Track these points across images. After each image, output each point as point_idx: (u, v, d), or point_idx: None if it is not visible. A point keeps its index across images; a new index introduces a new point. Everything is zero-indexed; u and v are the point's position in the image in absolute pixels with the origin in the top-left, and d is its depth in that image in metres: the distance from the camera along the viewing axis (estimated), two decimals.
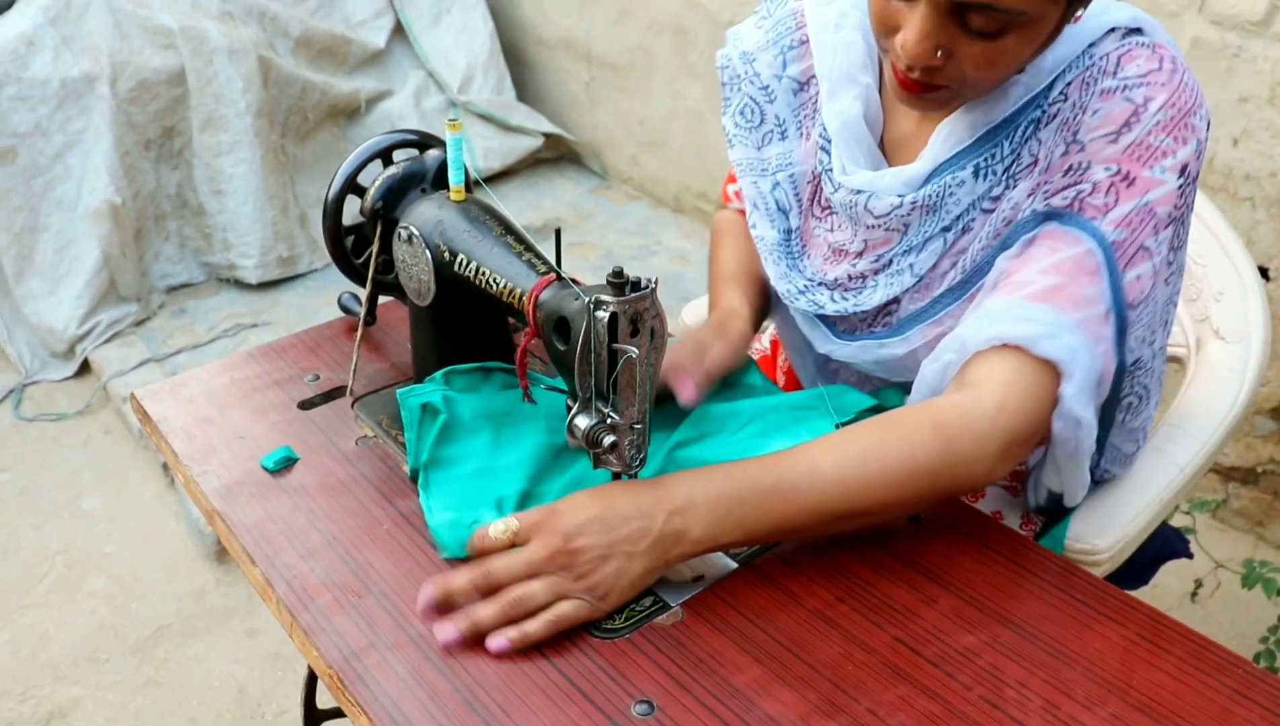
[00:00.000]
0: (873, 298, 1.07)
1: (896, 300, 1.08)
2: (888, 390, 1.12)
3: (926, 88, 0.93)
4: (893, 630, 0.89)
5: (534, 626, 0.86)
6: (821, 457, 0.90)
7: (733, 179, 1.29)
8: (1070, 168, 0.95)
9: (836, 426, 1.04)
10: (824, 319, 1.13)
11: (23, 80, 2.72)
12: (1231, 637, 2.01)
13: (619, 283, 0.86)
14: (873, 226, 1.06)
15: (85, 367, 2.80)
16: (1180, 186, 0.94)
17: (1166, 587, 2.08)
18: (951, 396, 0.93)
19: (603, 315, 0.86)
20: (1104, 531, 1.18)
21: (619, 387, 0.89)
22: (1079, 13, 0.91)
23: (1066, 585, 0.94)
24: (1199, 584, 2.01)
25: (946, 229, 1.03)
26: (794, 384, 1.32)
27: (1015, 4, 0.85)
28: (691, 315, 1.53)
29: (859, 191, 1.04)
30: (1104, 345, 0.93)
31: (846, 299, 1.09)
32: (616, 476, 0.97)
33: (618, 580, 0.87)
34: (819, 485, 0.89)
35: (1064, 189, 0.96)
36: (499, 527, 0.89)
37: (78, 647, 2.03)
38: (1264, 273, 2.00)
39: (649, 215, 3.43)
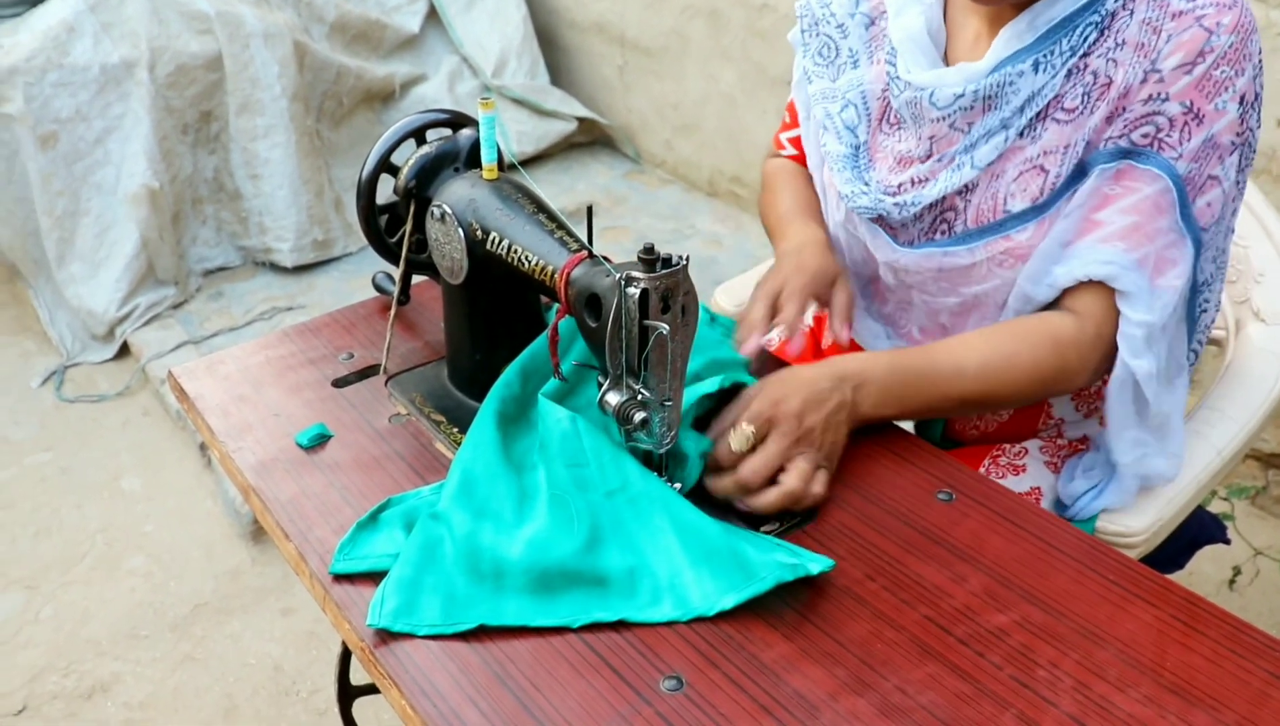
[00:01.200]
0: (932, 191, 1.12)
1: (953, 207, 1.12)
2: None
3: None
4: (922, 608, 0.89)
5: (819, 488, 0.98)
6: (965, 358, 1.06)
7: (786, 126, 1.36)
8: (1149, 97, 1.01)
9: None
10: (887, 229, 1.18)
11: (64, 66, 2.75)
12: (1271, 626, 1.99)
13: (650, 259, 0.86)
14: (936, 121, 1.11)
15: (124, 350, 2.84)
16: (1241, 114, 1.02)
17: (1204, 574, 2.05)
18: (1064, 318, 1.07)
19: (634, 291, 0.87)
20: (1139, 513, 1.17)
21: (650, 364, 0.89)
22: None
23: (1099, 565, 0.93)
24: (1237, 571, 1.99)
25: (1006, 124, 1.07)
26: None
27: None
28: (725, 297, 1.53)
29: (922, 88, 1.10)
30: (1169, 276, 1.03)
31: (907, 196, 1.14)
32: (649, 455, 0.97)
33: (837, 445, 1.01)
34: (963, 380, 1.06)
35: (1142, 123, 1.02)
36: (739, 439, 0.97)
37: (118, 624, 2.06)
38: None
39: (682, 199, 3.43)
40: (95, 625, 2.06)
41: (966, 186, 1.10)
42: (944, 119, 1.10)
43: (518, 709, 0.81)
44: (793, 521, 0.98)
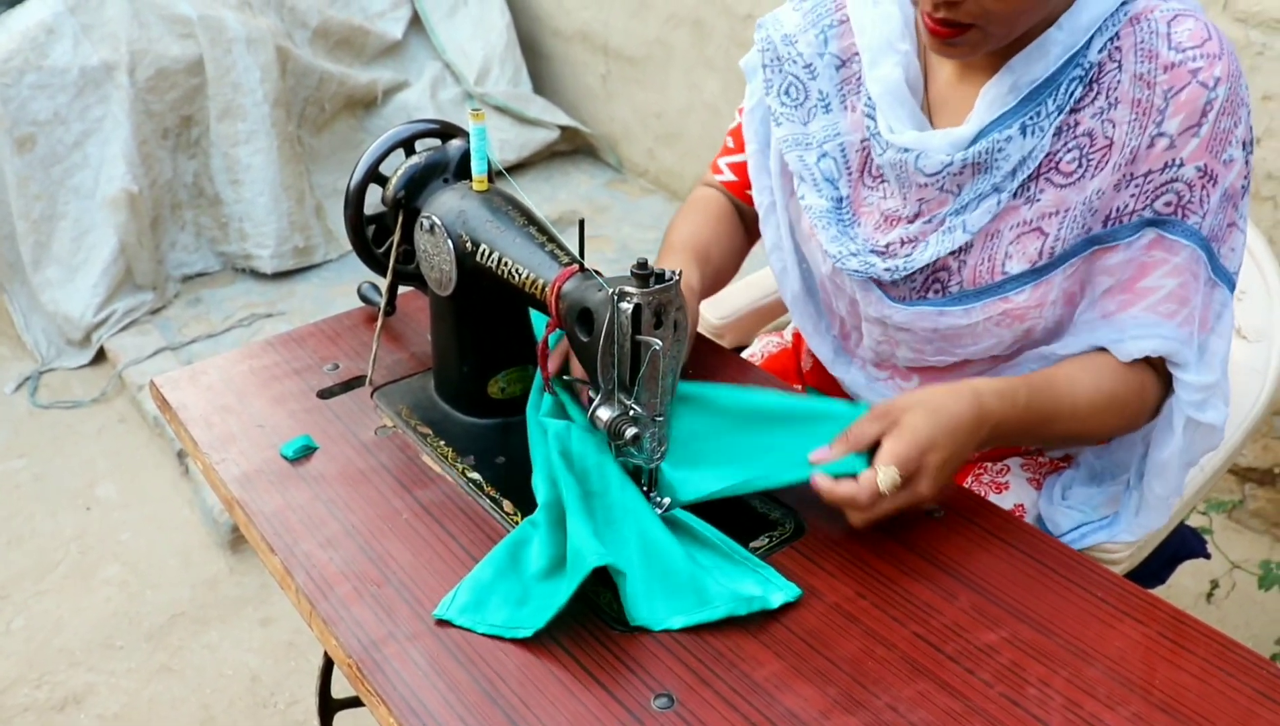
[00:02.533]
0: (923, 255, 1.09)
1: (946, 268, 1.10)
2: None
3: (955, 29, 0.97)
4: (913, 626, 0.89)
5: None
6: (1082, 397, 1.05)
7: (727, 150, 1.30)
8: (1166, 165, 1.00)
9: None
10: (878, 284, 1.15)
11: (42, 68, 2.72)
12: (1247, 639, 2.00)
13: (643, 274, 0.86)
14: (924, 185, 1.08)
15: (101, 355, 2.81)
16: (1245, 156, 1.03)
17: (1182, 588, 2.07)
18: (1148, 374, 1.08)
19: (627, 307, 0.86)
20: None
21: (642, 379, 0.89)
22: None
23: (1087, 583, 0.94)
24: (1215, 584, 2.00)
25: (998, 188, 1.05)
26: (818, 384, 1.31)
27: None
28: (709, 309, 1.52)
29: (907, 150, 1.07)
30: (1215, 327, 1.06)
31: (897, 259, 1.11)
32: (639, 470, 0.97)
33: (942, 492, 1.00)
34: (1074, 421, 1.06)
35: (1163, 191, 1.02)
36: (887, 483, 0.93)
37: (92, 634, 2.04)
38: None
39: (665, 208, 3.43)
40: (68, 635, 2.04)
41: (961, 248, 1.08)
42: (931, 183, 1.08)
43: None
44: (782, 538, 0.98)
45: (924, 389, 1.01)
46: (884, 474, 0.92)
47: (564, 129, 3.58)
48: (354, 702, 1.60)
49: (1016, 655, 0.86)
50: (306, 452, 1.09)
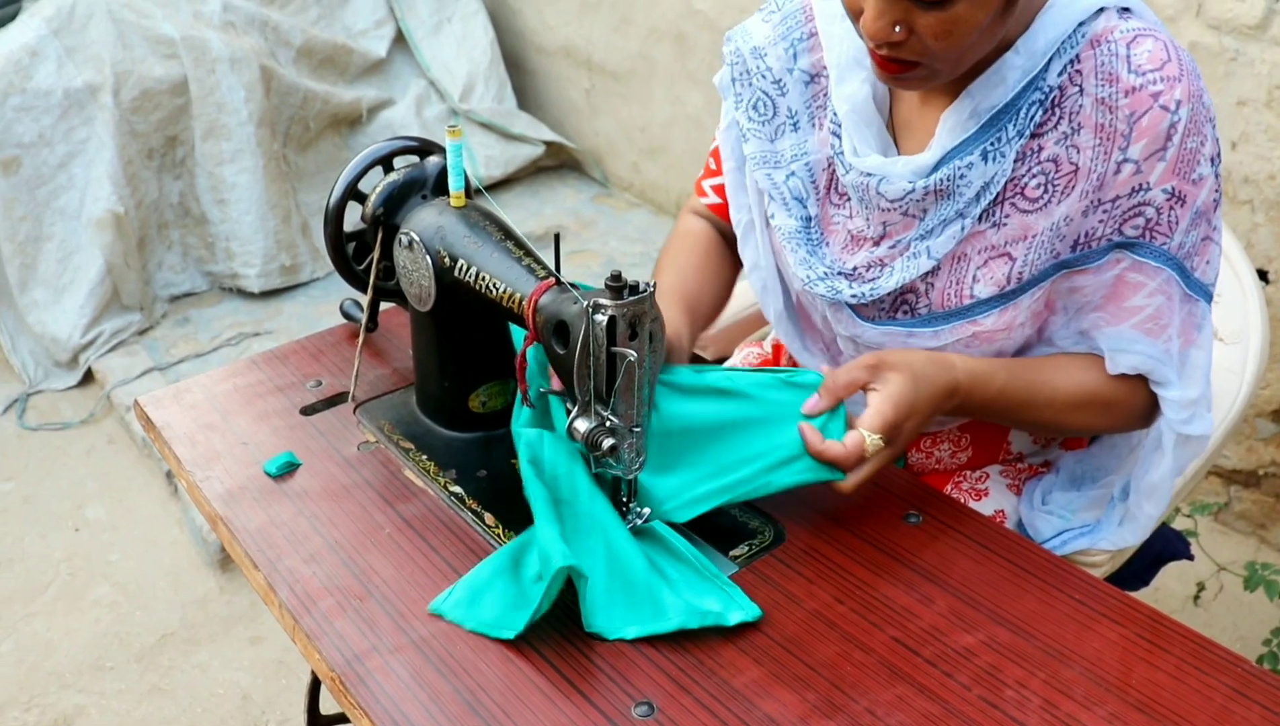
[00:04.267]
0: (889, 282, 1.09)
1: (914, 289, 1.10)
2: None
3: (899, 65, 0.97)
4: (891, 630, 0.90)
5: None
6: (1063, 390, 1.08)
7: (710, 172, 1.29)
8: (1134, 189, 1.01)
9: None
10: (847, 304, 1.15)
11: (26, 90, 2.73)
12: (1234, 640, 2.01)
13: (617, 286, 0.87)
14: (887, 210, 1.09)
15: (89, 377, 2.81)
16: (1214, 171, 1.03)
17: (1169, 590, 2.07)
18: (1138, 383, 1.09)
19: (601, 319, 0.87)
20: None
21: (618, 391, 0.90)
22: None
23: (1065, 585, 0.94)
24: (1201, 587, 2.01)
25: (962, 214, 1.05)
26: None
27: None
28: None
29: (869, 174, 1.07)
30: (1196, 341, 1.08)
31: (864, 285, 1.11)
32: (617, 481, 0.97)
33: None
34: (1052, 408, 1.08)
35: (1132, 216, 1.02)
36: (873, 447, 0.98)
37: (82, 656, 2.03)
38: (1263, 275, 2.00)
39: (650, 222, 3.44)
40: (59, 657, 2.03)
41: (928, 271, 1.08)
42: (894, 208, 1.08)
43: None
44: (762, 546, 0.99)
45: (908, 351, 1.05)
46: (870, 440, 0.98)
47: (549, 144, 3.59)
48: (343, 719, 1.60)
49: (994, 658, 0.87)
50: (290, 469, 1.10)
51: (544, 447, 1.00)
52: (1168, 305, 1.05)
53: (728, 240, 1.30)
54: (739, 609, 0.89)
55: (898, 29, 0.93)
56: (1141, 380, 1.09)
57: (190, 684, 1.97)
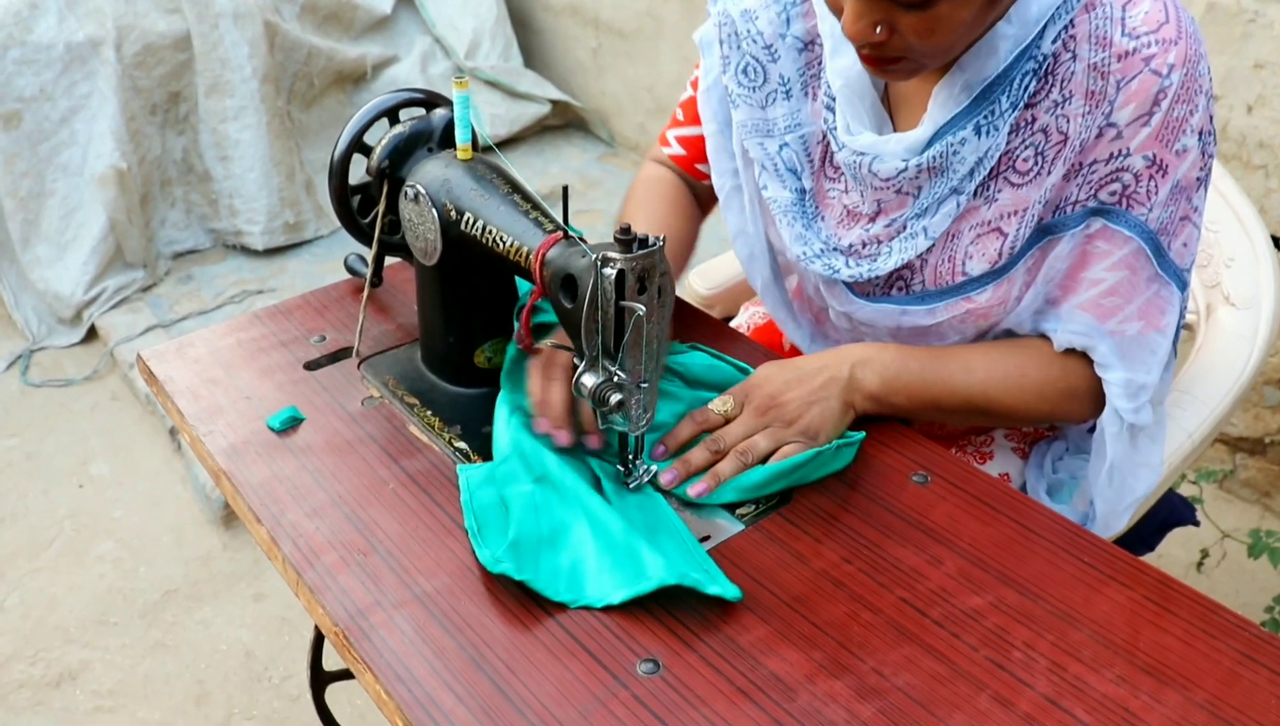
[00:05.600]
0: (887, 262, 1.07)
1: (909, 266, 1.08)
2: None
3: (884, 61, 0.95)
4: (899, 591, 0.89)
5: (728, 467, 0.99)
6: (973, 359, 1.07)
7: (677, 122, 1.26)
8: (1111, 155, 0.97)
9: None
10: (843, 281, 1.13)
11: (26, 44, 2.70)
12: (1237, 607, 2.01)
13: (626, 240, 0.86)
14: (880, 188, 1.06)
15: (92, 333, 2.80)
16: (1201, 147, 0.98)
17: (1173, 557, 2.07)
18: (1074, 358, 1.07)
19: (610, 272, 0.86)
20: None
21: (626, 346, 0.89)
22: None
23: (1073, 548, 0.94)
24: (1205, 553, 2.01)
25: (957, 190, 1.02)
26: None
27: None
28: (699, 280, 1.52)
29: (862, 153, 1.04)
30: (1158, 322, 1.04)
31: (861, 264, 1.09)
32: (623, 437, 0.97)
33: (824, 419, 1.01)
34: (970, 378, 1.06)
35: (1108, 181, 0.99)
36: (718, 405, 1.03)
37: (86, 611, 2.04)
38: (1276, 241, 1.98)
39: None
40: (63, 612, 2.04)
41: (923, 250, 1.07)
42: (889, 186, 1.05)
43: (494, 693, 0.80)
44: (769, 505, 0.98)
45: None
46: (718, 399, 1.03)
47: (555, 103, 3.56)
48: (345, 675, 1.60)
49: (1002, 619, 0.86)
50: (293, 424, 1.09)
51: (511, 428, 1.01)
52: (1129, 280, 1.02)
53: (692, 191, 1.28)
54: (718, 585, 0.87)
55: (879, 29, 0.90)
56: (1085, 362, 1.07)
57: (193, 640, 1.98)
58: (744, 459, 0.99)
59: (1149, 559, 1.26)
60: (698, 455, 1.00)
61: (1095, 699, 0.80)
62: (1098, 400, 1.08)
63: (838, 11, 0.94)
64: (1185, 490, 1.89)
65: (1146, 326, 1.03)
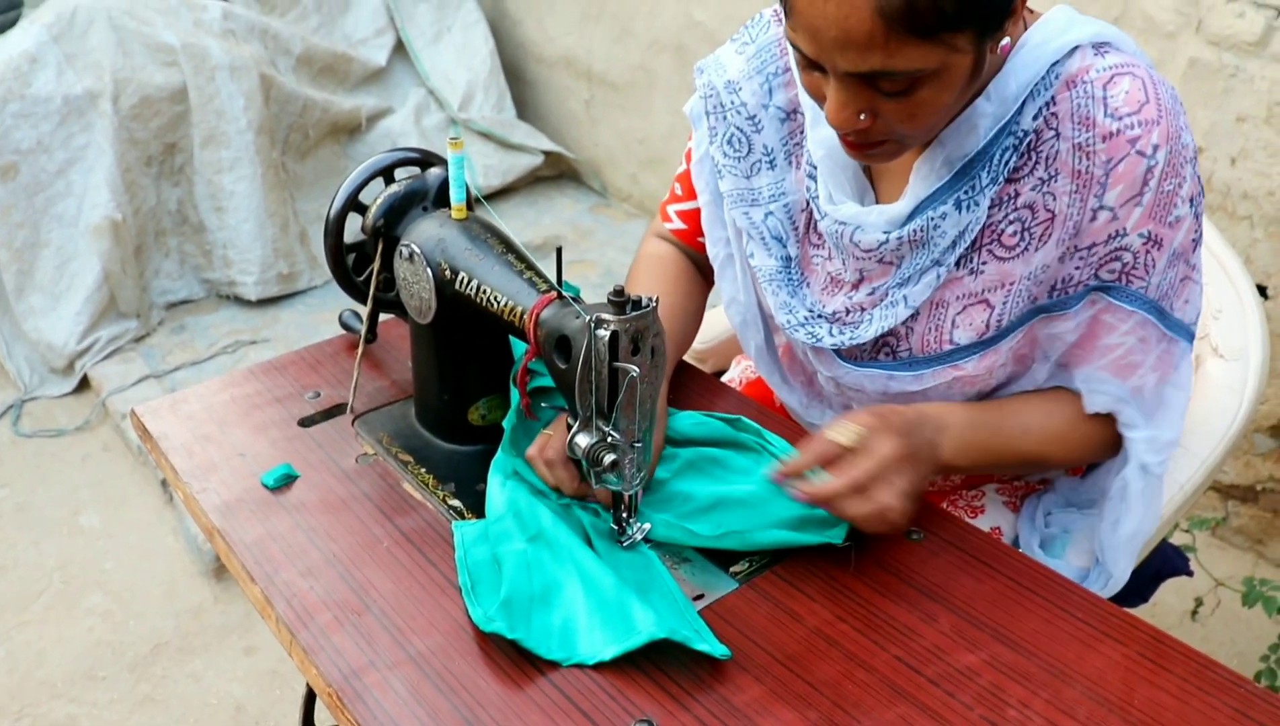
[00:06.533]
0: (869, 330, 1.08)
1: (895, 333, 1.09)
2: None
3: (866, 145, 0.96)
4: (893, 649, 0.89)
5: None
6: (1029, 419, 1.08)
7: (676, 197, 1.27)
8: (1110, 236, 0.99)
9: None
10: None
11: (25, 97, 2.72)
12: (1232, 656, 2.01)
13: (620, 301, 0.86)
14: (862, 258, 1.07)
15: (84, 384, 2.80)
16: (1193, 212, 1.00)
17: (1167, 605, 2.07)
18: (1102, 421, 1.09)
19: (603, 333, 0.87)
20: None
21: (619, 406, 0.89)
22: (1004, 43, 0.91)
23: (1067, 603, 0.94)
24: (1199, 602, 2.00)
25: (939, 262, 1.04)
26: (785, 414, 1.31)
27: (910, 65, 0.86)
28: None
29: (844, 223, 1.05)
30: (1172, 380, 1.07)
31: (844, 332, 1.10)
32: (617, 496, 0.97)
33: (916, 485, 0.97)
34: (1027, 439, 1.08)
35: (1108, 261, 1.01)
36: (845, 433, 0.96)
37: (74, 665, 2.02)
38: (1262, 291, 2.00)
39: (644, 233, 3.44)
40: (51, 666, 2.02)
41: (906, 318, 1.07)
42: (870, 256, 1.06)
43: None
44: (763, 562, 0.98)
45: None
46: (841, 426, 0.96)
47: (548, 154, 3.59)
48: None
49: (997, 677, 0.86)
50: (287, 481, 1.09)
51: (507, 489, 1.01)
52: (1141, 346, 1.04)
53: (695, 264, 1.29)
54: (706, 644, 0.87)
55: (862, 116, 0.91)
56: (1110, 417, 1.09)
57: (183, 694, 1.96)
58: (880, 519, 0.95)
59: (1143, 608, 1.27)
60: (853, 508, 0.95)
61: None
62: (1115, 444, 1.11)
63: (819, 99, 0.95)
64: (1178, 538, 1.89)
65: (1161, 379, 1.06)
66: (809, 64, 0.92)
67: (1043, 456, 1.10)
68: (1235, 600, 1.98)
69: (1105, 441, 1.11)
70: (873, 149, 0.96)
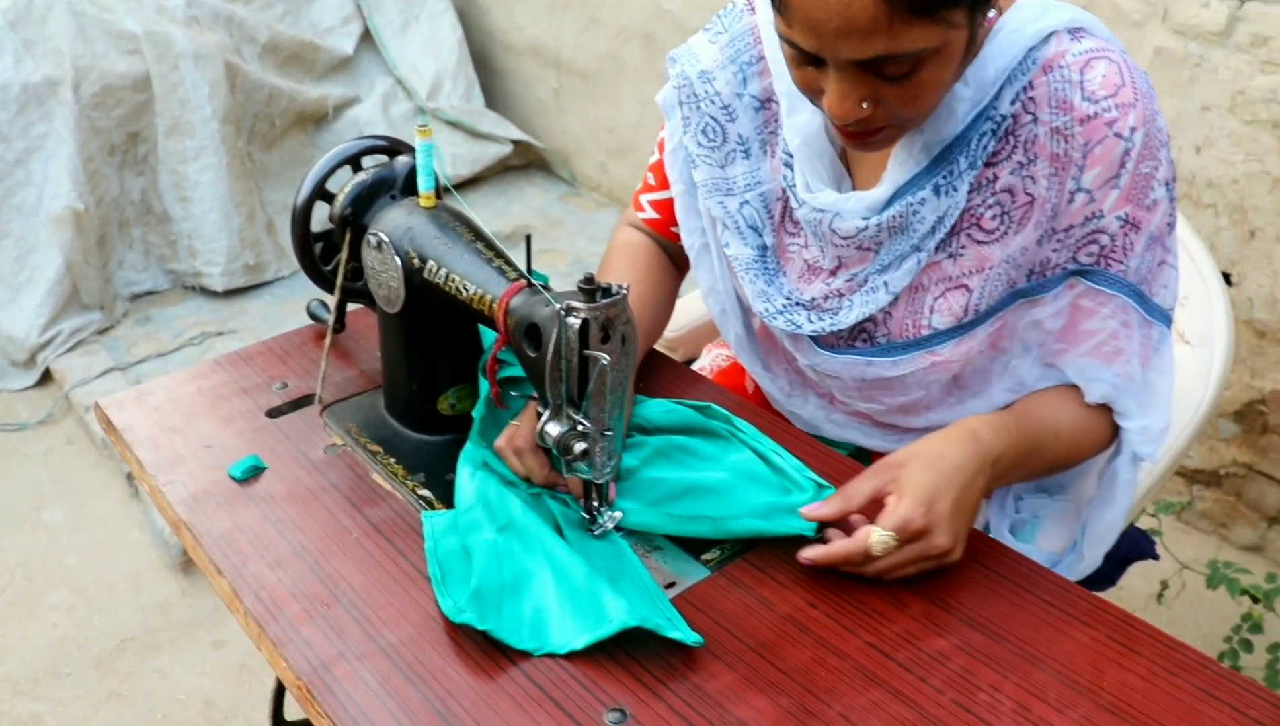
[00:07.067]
0: (849, 316, 1.08)
1: (873, 319, 1.09)
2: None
3: (867, 133, 0.95)
4: (864, 635, 0.89)
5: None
6: (1063, 424, 1.07)
7: (649, 187, 1.26)
8: (1087, 218, 1.00)
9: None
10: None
11: None
12: (1197, 638, 2.03)
13: (590, 289, 0.86)
14: (840, 245, 1.07)
15: (47, 377, 2.76)
16: (1169, 195, 1.01)
17: (1133, 589, 2.09)
18: (1103, 413, 1.09)
19: (574, 322, 0.86)
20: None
21: (590, 394, 0.89)
22: (990, 15, 0.92)
23: (1036, 588, 0.95)
24: (1165, 585, 2.03)
25: (918, 247, 1.04)
26: (761, 400, 1.31)
27: (913, 46, 0.86)
28: None
29: (822, 211, 1.05)
30: (1155, 364, 1.07)
31: (823, 318, 1.10)
32: (588, 485, 0.96)
33: (965, 536, 0.96)
34: (1058, 445, 1.07)
35: (1086, 243, 1.01)
36: (880, 547, 0.91)
37: (38, 662, 2.00)
38: (1227, 278, 2.02)
39: (617, 222, 3.43)
40: (13, 663, 1.99)
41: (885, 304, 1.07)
42: (849, 242, 1.06)
43: None
44: (735, 550, 0.98)
45: (921, 439, 0.99)
46: (877, 537, 0.91)
47: (517, 143, 3.58)
48: (308, 724, 1.58)
49: (968, 661, 0.87)
50: (255, 473, 1.08)
51: (476, 479, 1.00)
52: (1124, 331, 1.04)
53: (668, 254, 1.28)
54: (678, 631, 0.87)
55: (865, 105, 0.91)
56: (1107, 409, 1.09)
57: (150, 689, 1.94)
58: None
59: (1111, 592, 1.28)
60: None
61: None
62: (1114, 436, 1.12)
63: (814, 94, 0.94)
64: (1144, 522, 1.91)
65: (1144, 364, 1.06)
66: (805, 59, 0.91)
67: (1070, 459, 1.10)
68: (1200, 582, 2.00)
69: (1108, 434, 1.11)
70: (873, 136, 0.95)
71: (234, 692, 1.94)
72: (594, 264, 3.14)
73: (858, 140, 0.96)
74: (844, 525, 0.96)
